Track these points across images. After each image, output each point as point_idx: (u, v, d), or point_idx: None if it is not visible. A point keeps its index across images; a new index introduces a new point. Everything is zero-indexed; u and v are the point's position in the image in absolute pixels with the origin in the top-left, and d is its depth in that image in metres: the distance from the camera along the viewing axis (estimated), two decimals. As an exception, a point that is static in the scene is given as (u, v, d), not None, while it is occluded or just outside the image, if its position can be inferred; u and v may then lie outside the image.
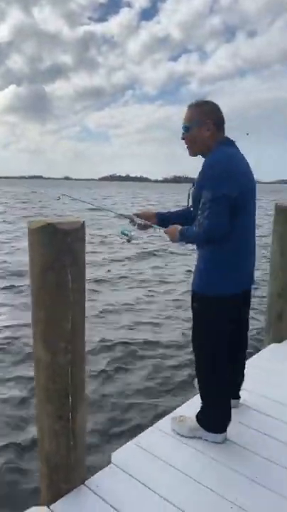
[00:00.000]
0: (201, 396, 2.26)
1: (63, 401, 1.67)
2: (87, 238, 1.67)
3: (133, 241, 2.27)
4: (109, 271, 9.13)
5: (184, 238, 2.08)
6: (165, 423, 2.37)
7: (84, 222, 1.65)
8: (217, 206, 1.88)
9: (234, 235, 1.98)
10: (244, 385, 2.57)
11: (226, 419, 2.22)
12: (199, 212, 1.96)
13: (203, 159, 2.10)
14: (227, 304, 2.09)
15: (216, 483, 1.90)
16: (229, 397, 2.27)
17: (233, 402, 2.46)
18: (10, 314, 5.94)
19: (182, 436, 2.24)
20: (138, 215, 2.38)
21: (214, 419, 2.22)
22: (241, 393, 2.56)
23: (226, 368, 2.20)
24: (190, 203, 2.22)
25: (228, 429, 2.24)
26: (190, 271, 10.03)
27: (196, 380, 2.83)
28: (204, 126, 2.04)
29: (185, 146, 2.15)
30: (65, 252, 1.56)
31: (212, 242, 1.99)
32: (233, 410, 2.45)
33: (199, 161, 2.11)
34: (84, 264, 1.68)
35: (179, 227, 2.12)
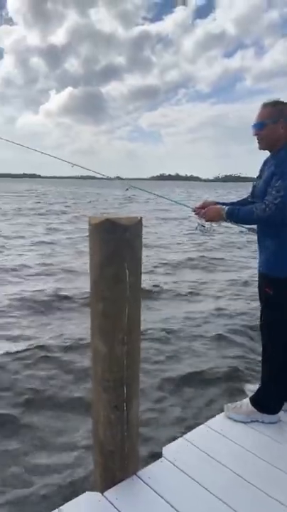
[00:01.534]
0: (263, 379, 2.39)
1: (119, 392, 1.73)
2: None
3: (208, 233, 2.33)
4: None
5: (233, 217, 2.19)
6: (215, 422, 2.37)
7: (141, 218, 1.69)
8: None
9: None
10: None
11: (282, 401, 2.41)
12: (268, 196, 2.07)
13: (262, 155, 2.29)
14: None
15: (268, 485, 1.87)
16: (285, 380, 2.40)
17: (286, 404, 2.43)
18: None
19: (240, 421, 2.35)
20: (201, 207, 2.41)
21: (273, 401, 2.38)
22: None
23: None
24: (253, 195, 2.37)
25: (281, 432, 2.27)
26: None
27: (247, 386, 2.81)
28: (279, 124, 2.18)
29: (257, 140, 2.28)
30: (123, 246, 1.61)
31: (272, 222, 2.07)
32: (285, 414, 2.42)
33: (252, 160, 2.26)
34: (141, 259, 1.72)
35: (222, 206, 2.25)
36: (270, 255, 2.23)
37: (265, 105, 2.23)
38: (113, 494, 1.79)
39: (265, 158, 2.38)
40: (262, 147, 2.28)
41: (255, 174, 2.47)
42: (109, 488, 1.81)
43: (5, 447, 2.84)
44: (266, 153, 2.34)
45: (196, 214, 2.40)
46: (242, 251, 11.77)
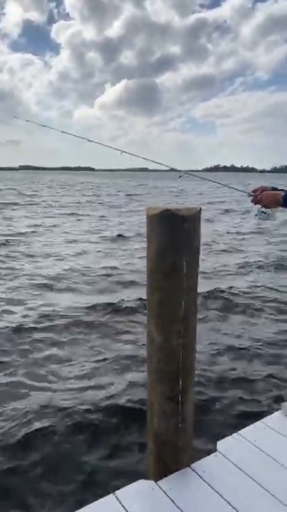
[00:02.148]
0: None
1: (174, 383, 1.72)
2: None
3: (270, 220, 2.22)
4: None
5: None
6: (272, 419, 2.29)
7: (200, 208, 1.65)
8: None
9: None
10: None
11: None
12: None
13: None
14: None
15: None
16: None
17: None
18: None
19: None
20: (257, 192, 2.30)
21: None
22: None
23: None
24: None
25: None
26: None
27: (283, 404, 2.70)
28: None
29: None
30: (181, 237, 1.59)
31: None
32: None
33: None
34: (199, 250, 1.69)
35: (279, 191, 2.09)
36: None
37: None
38: (166, 484, 1.79)
39: None
40: None
41: None
42: (163, 477, 1.82)
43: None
44: None
45: (252, 201, 2.30)
46: None
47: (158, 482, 1.80)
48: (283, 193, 2.06)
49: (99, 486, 2.41)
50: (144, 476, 1.90)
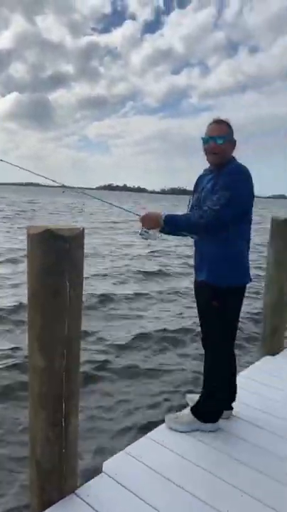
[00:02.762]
0: (206, 388, 2.42)
1: (57, 407, 1.67)
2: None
3: (152, 240, 2.31)
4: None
5: (171, 224, 2.18)
6: (157, 433, 2.37)
7: (83, 228, 1.66)
8: (234, 202, 2.10)
9: (242, 232, 2.26)
10: (237, 397, 2.58)
11: (222, 410, 2.47)
12: (208, 202, 2.15)
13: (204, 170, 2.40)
14: (240, 295, 2.33)
15: (208, 495, 1.89)
16: (225, 390, 2.49)
17: (225, 413, 2.50)
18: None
19: (181, 431, 2.36)
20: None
21: (215, 410, 2.43)
22: (233, 404, 2.57)
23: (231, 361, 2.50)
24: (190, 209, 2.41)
25: (221, 441, 2.32)
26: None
27: (187, 396, 2.85)
28: (232, 144, 2.32)
29: (214, 153, 2.28)
30: (64, 257, 1.58)
31: (211, 228, 2.12)
32: (225, 421, 2.48)
33: (195, 175, 2.45)
34: (82, 270, 1.69)
35: (161, 212, 2.22)
36: (216, 264, 2.26)
37: (221, 122, 2.29)
38: (50, 515, 1.72)
39: (201, 174, 2.46)
40: (217, 161, 2.29)
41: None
42: (46, 509, 1.74)
43: None
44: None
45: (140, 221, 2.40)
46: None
47: (41, 514, 1.72)
48: (163, 216, 2.19)
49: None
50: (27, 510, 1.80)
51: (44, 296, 1.61)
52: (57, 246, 1.56)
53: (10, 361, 4.35)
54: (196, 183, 2.48)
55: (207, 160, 2.34)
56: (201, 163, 2.44)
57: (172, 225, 2.18)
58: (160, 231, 2.27)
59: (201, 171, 2.47)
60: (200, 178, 2.45)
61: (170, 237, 2.48)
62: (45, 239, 1.56)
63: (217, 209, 2.06)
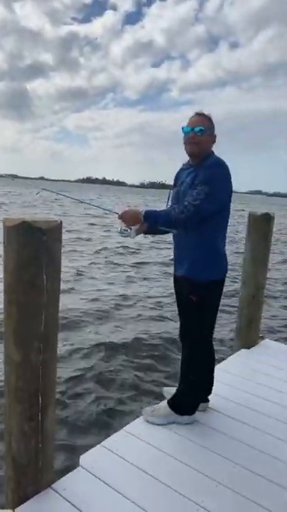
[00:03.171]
0: (183, 381, 2.45)
1: (33, 401, 1.65)
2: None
3: (130, 237, 2.28)
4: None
5: (151, 219, 2.16)
6: (133, 426, 2.38)
7: (61, 221, 1.64)
8: (214, 197, 2.11)
9: (221, 227, 2.30)
10: (213, 389, 2.61)
11: (198, 402, 2.50)
12: (188, 197, 2.13)
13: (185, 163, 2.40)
14: (219, 289, 2.36)
15: (184, 486, 1.92)
16: (201, 382, 2.51)
17: (202, 405, 2.53)
18: None
19: (158, 424, 2.38)
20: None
21: (191, 402, 2.46)
22: (209, 397, 2.61)
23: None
24: (170, 203, 2.42)
25: (197, 433, 2.34)
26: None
27: (164, 388, 2.87)
28: (213, 138, 2.33)
29: (192, 143, 2.27)
30: (41, 250, 1.55)
31: (191, 223, 2.12)
32: (201, 414, 2.51)
33: (174, 169, 2.46)
34: (60, 264, 1.67)
35: (139, 209, 2.20)
36: (195, 258, 2.28)
37: (201, 115, 2.30)
38: (25, 510, 1.70)
39: (180, 168, 2.46)
40: (195, 152, 2.28)
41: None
42: (22, 504, 1.72)
43: None
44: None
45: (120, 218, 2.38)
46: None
47: (17, 509, 1.70)
48: (143, 212, 2.18)
49: None
50: (3, 506, 1.77)
51: (21, 290, 1.58)
52: (34, 238, 1.53)
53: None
54: (175, 177, 2.48)
55: (186, 150, 2.32)
56: (181, 157, 2.46)
57: (151, 221, 2.16)
58: (141, 231, 2.31)
59: (180, 165, 2.48)
60: (180, 172, 2.45)
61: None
62: (21, 231, 1.52)
63: (197, 204, 2.06)
